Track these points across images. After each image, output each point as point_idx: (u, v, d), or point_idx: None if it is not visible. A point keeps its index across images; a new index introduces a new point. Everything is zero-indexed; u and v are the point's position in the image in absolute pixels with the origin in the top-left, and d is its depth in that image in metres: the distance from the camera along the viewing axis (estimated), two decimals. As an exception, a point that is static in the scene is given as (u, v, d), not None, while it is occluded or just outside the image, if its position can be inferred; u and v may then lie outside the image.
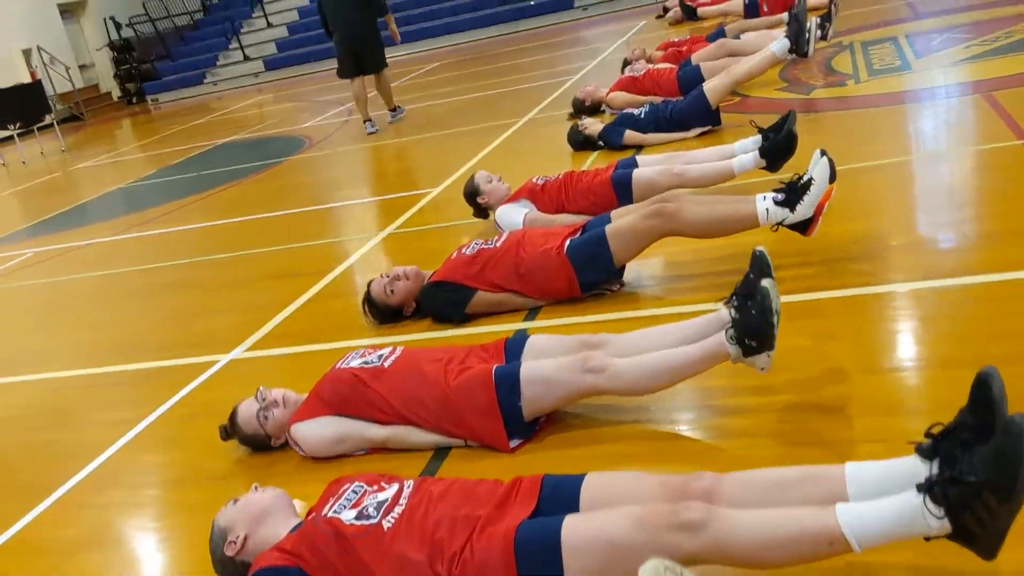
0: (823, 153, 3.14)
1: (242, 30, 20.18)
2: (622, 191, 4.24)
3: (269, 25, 20.03)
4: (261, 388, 2.76)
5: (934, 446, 1.64)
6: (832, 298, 3.04)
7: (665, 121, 5.70)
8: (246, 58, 19.35)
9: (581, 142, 5.94)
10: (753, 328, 2.22)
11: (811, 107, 5.73)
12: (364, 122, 8.70)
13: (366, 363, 2.71)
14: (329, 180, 7.30)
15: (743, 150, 4.36)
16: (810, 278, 3.21)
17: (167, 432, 3.26)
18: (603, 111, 7.04)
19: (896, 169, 4.24)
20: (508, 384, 2.44)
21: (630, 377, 2.37)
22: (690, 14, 11.36)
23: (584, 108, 7.06)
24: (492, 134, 7.21)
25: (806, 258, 3.35)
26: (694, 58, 7.09)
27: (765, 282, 2.24)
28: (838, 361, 2.62)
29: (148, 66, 20.59)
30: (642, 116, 5.79)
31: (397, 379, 2.63)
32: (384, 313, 3.68)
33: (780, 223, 3.16)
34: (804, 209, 3.13)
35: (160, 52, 20.72)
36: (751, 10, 10.02)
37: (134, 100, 20.80)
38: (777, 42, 5.31)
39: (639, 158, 4.61)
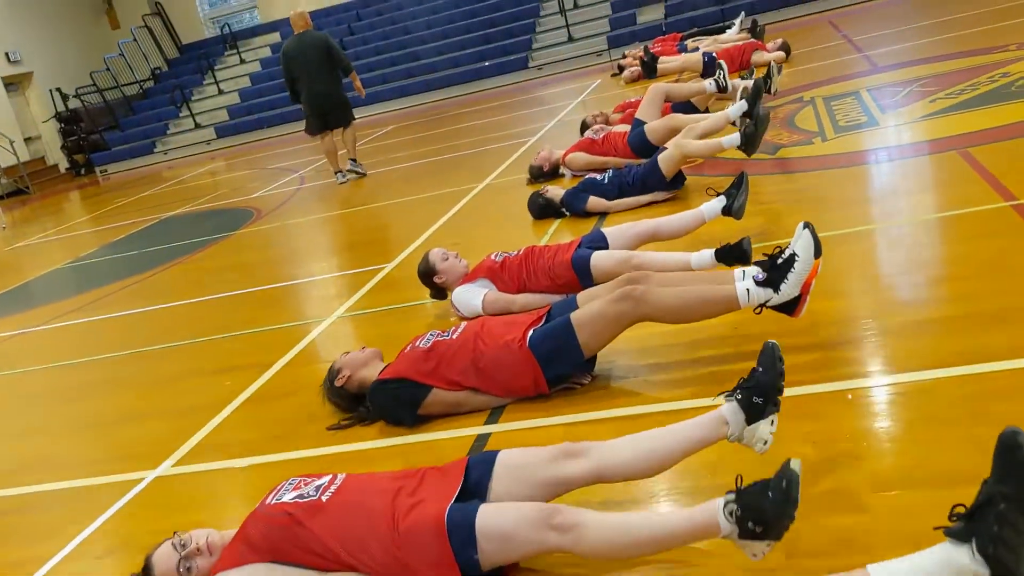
0: (806, 225, 2.83)
1: (192, 97, 19.86)
2: (583, 274, 3.94)
3: (220, 92, 19.74)
4: (178, 532, 2.35)
5: (968, 527, 1.51)
6: (826, 392, 2.71)
7: (628, 187, 5.44)
8: (197, 126, 18.99)
9: (543, 207, 5.65)
10: (767, 516, 1.83)
11: (778, 168, 5.50)
12: (335, 173, 9.32)
13: (301, 497, 2.31)
14: (276, 256, 6.91)
15: (711, 212, 4.18)
16: (799, 370, 2.87)
17: None
18: (562, 175, 6.79)
19: (877, 236, 3.96)
20: (463, 535, 2.06)
21: (599, 543, 1.98)
22: (650, 71, 11.24)
23: (542, 174, 6.80)
24: (448, 202, 6.89)
25: (789, 341, 3.01)
26: (638, 114, 6.89)
27: (794, 464, 1.86)
28: (847, 478, 2.27)
29: (96, 137, 20.12)
30: (605, 182, 5.53)
31: (338, 517, 2.23)
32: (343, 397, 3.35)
33: (763, 304, 2.84)
34: (789, 288, 2.82)
35: (109, 122, 20.28)
36: (709, 68, 9.93)
37: (82, 172, 20.30)
38: (728, 137, 5.11)
39: (605, 230, 4.30)
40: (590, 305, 3.01)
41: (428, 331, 3.36)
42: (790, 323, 2.95)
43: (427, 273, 4.20)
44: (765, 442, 2.16)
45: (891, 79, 7.27)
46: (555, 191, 5.65)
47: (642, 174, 5.41)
